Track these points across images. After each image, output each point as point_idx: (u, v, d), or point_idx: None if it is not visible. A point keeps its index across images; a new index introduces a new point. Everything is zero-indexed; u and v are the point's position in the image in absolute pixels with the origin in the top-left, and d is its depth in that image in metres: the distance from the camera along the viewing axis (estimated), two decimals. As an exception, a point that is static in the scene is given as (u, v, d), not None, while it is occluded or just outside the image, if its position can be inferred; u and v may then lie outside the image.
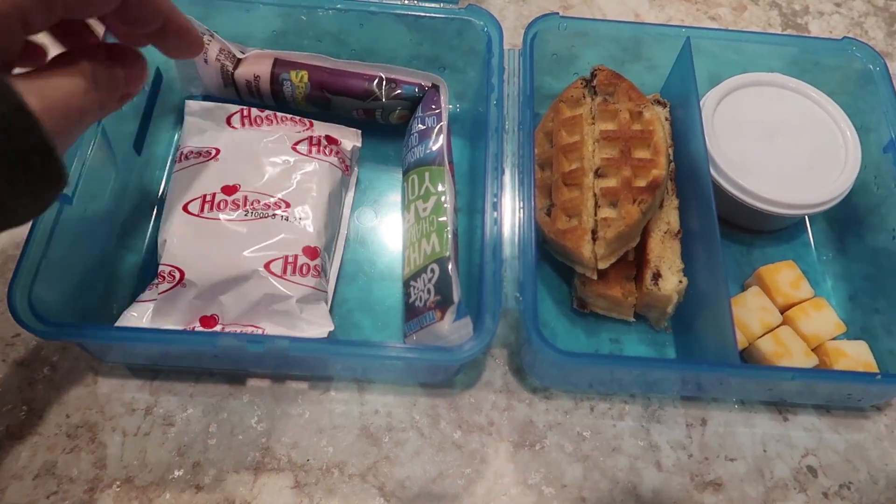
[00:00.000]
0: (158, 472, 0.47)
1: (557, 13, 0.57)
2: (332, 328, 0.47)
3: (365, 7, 0.57)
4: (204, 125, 0.55)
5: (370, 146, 0.59)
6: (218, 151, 0.52)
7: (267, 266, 0.45)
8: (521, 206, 0.49)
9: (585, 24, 0.59)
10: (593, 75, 0.58)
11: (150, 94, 0.58)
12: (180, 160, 0.52)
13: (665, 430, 0.52)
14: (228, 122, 0.55)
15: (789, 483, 0.50)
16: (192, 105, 0.56)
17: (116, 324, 0.46)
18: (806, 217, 0.60)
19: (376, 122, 0.59)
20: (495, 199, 0.49)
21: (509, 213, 0.50)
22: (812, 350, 0.52)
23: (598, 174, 0.54)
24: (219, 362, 0.49)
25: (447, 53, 0.60)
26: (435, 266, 0.49)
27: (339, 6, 0.57)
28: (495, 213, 0.48)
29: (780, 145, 0.56)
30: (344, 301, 0.54)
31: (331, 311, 0.50)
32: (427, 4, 0.57)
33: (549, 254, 0.56)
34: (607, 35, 0.60)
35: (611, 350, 0.54)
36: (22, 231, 0.40)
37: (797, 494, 0.50)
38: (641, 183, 0.52)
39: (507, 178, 0.51)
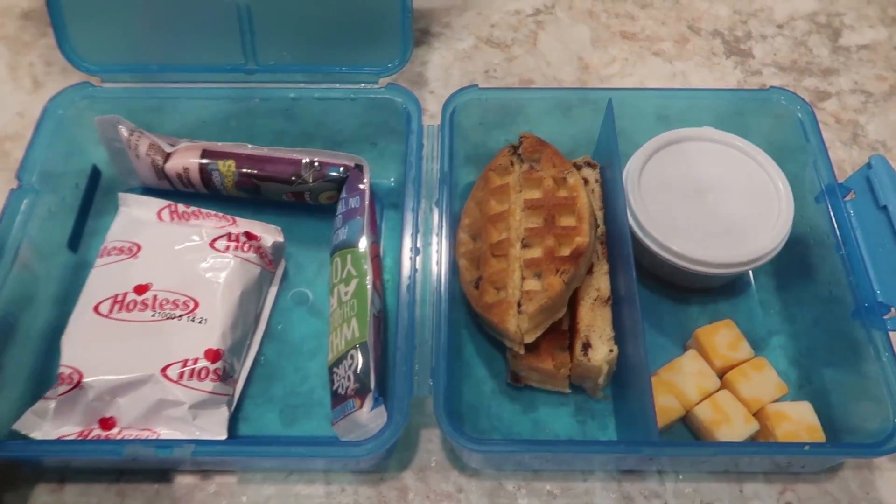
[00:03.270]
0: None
1: (476, 85, 0.58)
2: (224, 436, 0.47)
3: (285, 94, 0.58)
4: (134, 219, 0.56)
5: (307, 228, 0.60)
6: (139, 248, 0.52)
7: (164, 370, 0.46)
8: (434, 287, 0.49)
9: (505, 93, 0.59)
10: (520, 142, 0.58)
11: (86, 191, 0.59)
12: (102, 255, 0.53)
13: (637, 479, 0.50)
14: (159, 215, 0.56)
15: None
16: (124, 198, 0.57)
17: (17, 424, 0.46)
18: (749, 272, 0.58)
19: (308, 204, 0.59)
20: (409, 281, 0.48)
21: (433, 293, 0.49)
22: (753, 414, 0.50)
23: (524, 244, 0.53)
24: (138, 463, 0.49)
25: (377, 131, 0.61)
26: (355, 352, 0.49)
27: (263, 97, 0.58)
28: (408, 295, 0.48)
29: (711, 201, 0.55)
30: (263, 394, 0.53)
31: (240, 409, 0.50)
32: (346, 86, 0.58)
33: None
34: (530, 102, 0.60)
35: (547, 426, 0.52)
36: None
37: (778, 534, 0.48)
38: (565, 252, 0.52)
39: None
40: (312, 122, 0.60)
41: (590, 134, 0.61)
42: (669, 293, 0.58)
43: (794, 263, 0.57)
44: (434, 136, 0.56)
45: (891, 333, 0.47)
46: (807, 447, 0.44)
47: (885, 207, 0.49)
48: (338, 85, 0.58)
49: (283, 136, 0.61)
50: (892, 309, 0.47)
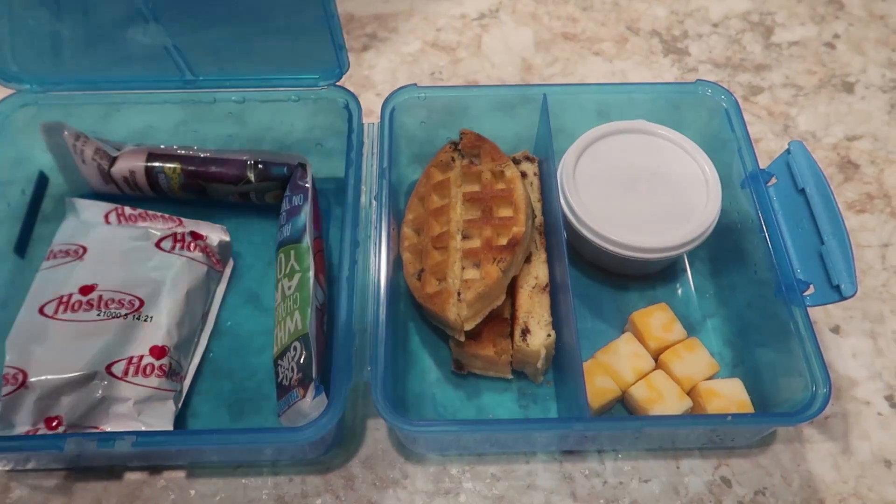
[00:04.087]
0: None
1: (415, 84, 0.59)
2: (170, 429, 0.48)
3: (230, 97, 0.59)
4: (82, 222, 0.56)
5: (255, 228, 0.61)
6: (85, 250, 0.53)
7: (108, 368, 0.46)
8: (375, 278, 0.50)
9: (444, 91, 0.61)
10: (460, 139, 0.60)
11: (32, 197, 0.60)
12: (48, 258, 0.53)
13: (578, 460, 0.52)
14: (106, 218, 0.57)
15: (704, 497, 0.50)
16: (71, 203, 0.58)
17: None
18: (684, 257, 0.60)
19: (255, 204, 0.60)
20: (349, 273, 0.50)
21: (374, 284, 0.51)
22: (687, 393, 0.52)
23: (464, 236, 0.55)
24: (89, 460, 0.49)
25: (323, 133, 0.62)
26: (298, 343, 0.50)
27: (208, 101, 0.59)
28: (347, 286, 0.49)
29: (643, 190, 0.57)
30: (212, 390, 0.54)
31: (189, 405, 0.51)
32: (290, 89, 0.59)
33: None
34: (472, 100, 0.61)
35: (491, 411, 0.54)
36: None
37: (713, 507, 0.50)
38: (503, 241, 0.53)
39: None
40: (261, 125, 0.62)
41: (531, 130, 0.63)
42: (609, 280, 0.60)
43: (726, 249, 0.59)
44: (375, 134, 0.57)
45: (811, 309, 0.49)
46: (729, 417, 0.46)
47: (803, 190, 0.51)
48: (281, 88, 0.59)
49: (232, 140, 0.62)
50: (811, 286, 0.49)
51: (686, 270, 0.60)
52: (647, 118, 0.61)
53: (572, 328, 0.48)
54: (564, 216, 0.56)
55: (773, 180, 0.54)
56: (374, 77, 0.73)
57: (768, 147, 0.68)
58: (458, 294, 0.52)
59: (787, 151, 0.53)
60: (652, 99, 0.61)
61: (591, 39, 0.76)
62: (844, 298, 0.46)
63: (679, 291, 0.59)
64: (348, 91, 0.58)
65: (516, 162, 0.62)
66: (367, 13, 0.78)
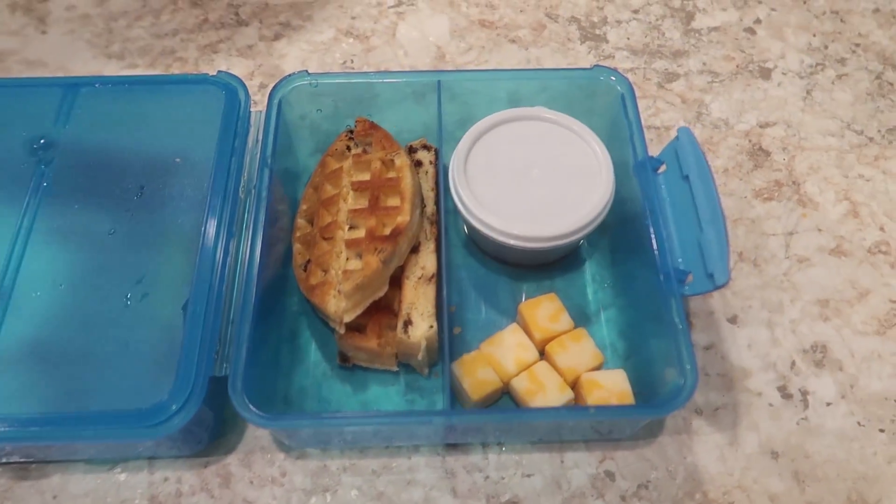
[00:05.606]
0: None
1: (306, 71, 0.58)
2: None
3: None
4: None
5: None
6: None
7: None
8: (245, 268, 0.49)
9: (337, 78, 0.59)
10: (356, 127, 0.59)
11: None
12: None
13: (461, 454, 0.51)
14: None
15: (587, 491, 0.49)
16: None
17: None
18: (583, 246, 0.59)
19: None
20: (220, 264, 0.48)
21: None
22: (570, 384, 0.51)
23: (351, 226, 0.54)
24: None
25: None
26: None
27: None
28: (212, 278, 0.48)
29: (537, 178, 0.55)
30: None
31: None
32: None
33: (318, 310, 0.56)
34: (374, 87, 0.60)
35: (376, 405, 0.53)
36: None
37: (595, 501, 0.49)
38: (386, 231, 0.52)
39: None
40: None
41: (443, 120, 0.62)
42: (506, 270, 0.59)
43: (625, 238, 0.58)
44: (261, 122, 0.56)
45: (709, 299, 0.48)
46: (592, 410, 0.45)
47: (687, 177, 0.50)
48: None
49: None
50: (689, 275, 0.48)
51: (584, 260, 0.59)
52: (556, 105, 0.59)
53: (444, 321, 0.47)
54: (455, 206, 0.55)
55: (663, 167, 0.53)
56: (285, 66, 0.71)
57: (680, 135, 0.67)
58: (339, 285, 0.51)
59: (676, 138, 0.52)
60: (561, 86, 0.60)
61: (509, 26, 0.75)
62: (717, 287, 0.45)
63: (576, 282, 0.58)
64: (236, 77, 0.57)
65: (413, 150, 0.60)
66: (282, 1, 0.77)
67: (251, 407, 0.43)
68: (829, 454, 0.51)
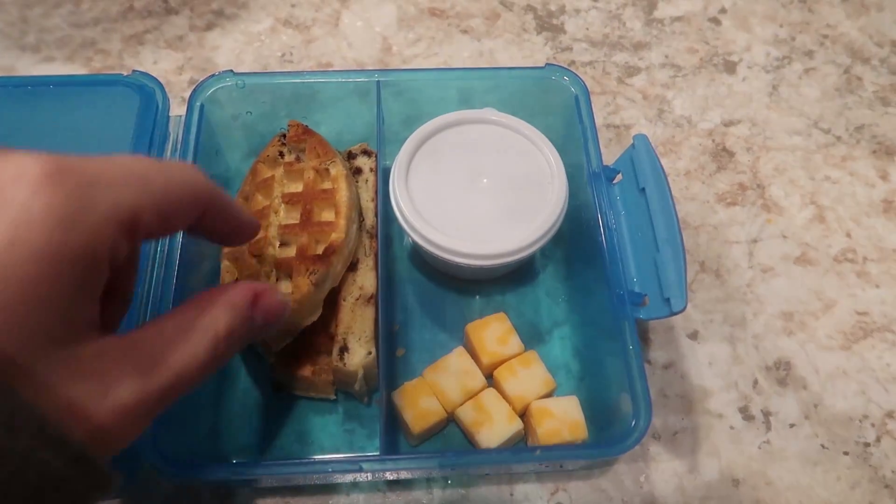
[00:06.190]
0: None
1: (231, 70, 0.53)
2: None
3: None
4: None
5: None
6: None
7: None
8: (161, 291, 0.44)
9: (265, 77, 0.54)
10: (288, 130, 0.54)
11: None
12: None
13: (403, 489, 0.47)
14: None
15: None
16: None
17: None
18: (535, 259, 0.56)
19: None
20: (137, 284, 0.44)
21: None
22: (520, 413, 0.47)
23: (282, 242, 0.49)
24: None
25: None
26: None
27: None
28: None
29: (485, 188, 0.51)
30: None
31: None
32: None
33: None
34: (303, 87, 0.55)
35: (312, 437, 0.49)
36: None
37: (543, 540, 0.46)
38: (319, 250, 0.48)
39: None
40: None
41: (387, 119, 0.57)
42: (454, 284, 0.55)
43: (581, 251, 0.54)
44: (181, 127, 0.51)
45: (653, 322, 0.45)
46: (538, 451, 0.41)
47: (643, 189, 0.46)
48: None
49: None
50: (646, 297, 0.44)
51: (538, 274, 0.55)
52: (508, 104, 0.55)
53: (385, 344, 0.43)
54: (396, 220, 0.51)
55: (619, 177, 0.49)
56: (218, 59, 0.66)
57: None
58: (268, 310, 0.46)
59: (633, 146, 0.48)
60: (513, 85, 0.56)
61: (461, 15, 0.70)
62: (674, 314, 0.42)
63: (529, 297, 0.54)
64: (152, 77, 0.52)
65: (352, 156, 0.56)
66: (215, -13, 0.71)
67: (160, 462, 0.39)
68: (791, 480, 0.48)
